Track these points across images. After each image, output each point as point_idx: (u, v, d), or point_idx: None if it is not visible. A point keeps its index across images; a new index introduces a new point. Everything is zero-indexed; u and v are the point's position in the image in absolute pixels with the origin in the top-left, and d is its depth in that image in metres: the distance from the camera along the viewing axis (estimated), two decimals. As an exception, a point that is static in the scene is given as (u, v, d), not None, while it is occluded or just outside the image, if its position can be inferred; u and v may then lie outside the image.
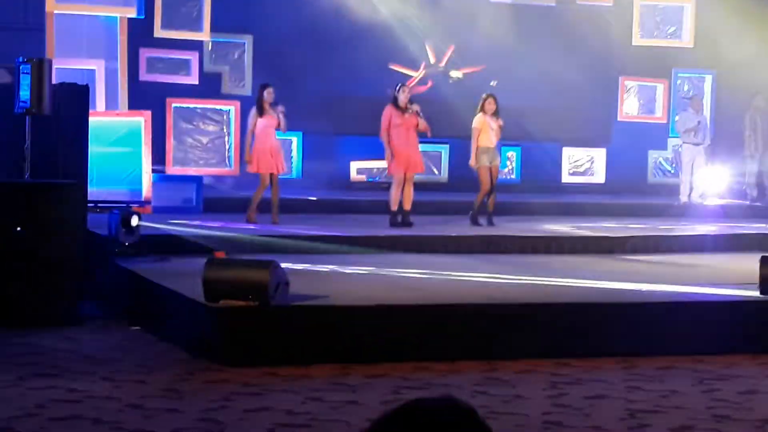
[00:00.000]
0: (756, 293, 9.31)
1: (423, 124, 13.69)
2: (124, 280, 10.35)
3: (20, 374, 7.82)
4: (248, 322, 8.29)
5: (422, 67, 17.97)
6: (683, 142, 17.57)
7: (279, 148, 13.79)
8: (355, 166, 18.19)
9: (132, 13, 15.64)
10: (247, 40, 17.61)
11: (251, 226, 13.09)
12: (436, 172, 18.61)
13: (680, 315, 9.00)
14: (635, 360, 8.62)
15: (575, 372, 8.31)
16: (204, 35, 16.85)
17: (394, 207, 13.65)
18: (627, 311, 9.00)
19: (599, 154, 19.39)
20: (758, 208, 16.85)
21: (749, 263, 9.90)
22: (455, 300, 9.02)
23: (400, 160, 13.60)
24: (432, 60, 18.43)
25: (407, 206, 13.69)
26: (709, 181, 17.56)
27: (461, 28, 18.51)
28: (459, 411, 2.00)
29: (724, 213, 16.45)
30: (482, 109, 14.11)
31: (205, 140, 17.06)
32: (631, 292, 9.66)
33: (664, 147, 19.56)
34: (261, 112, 13.50)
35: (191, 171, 16.37)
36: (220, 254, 10.96)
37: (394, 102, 13.67)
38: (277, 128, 13.61)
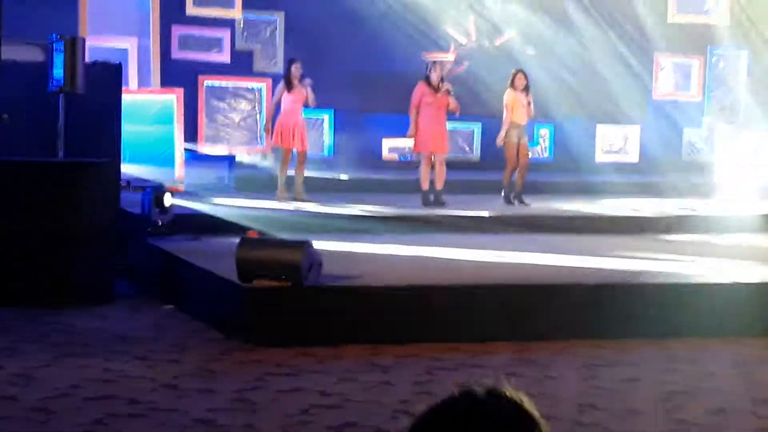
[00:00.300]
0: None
1: (453, 103, 13.66)
2: (157, 259, 10.38)
3: (55, 354, 7.86)
4: (281, 303, 8.30)
5: (452, 48, 17.83)
6: (725, 122, 17.44)
7: (303, 126, 13.77)
8: (386, 144, 18.13)
9: (165, -10, 15.65)
10: (279, 17, 17.58)
11: (283, 206, 13.08)
12: (468, 150, 18.54)
13: (717, 296, 8.92)
14: (670, 342, 8.57)
15: (609, 354, 8.27)
16: (236, 12, 16.85)
17: (425, 186, 13.62)
18: (663, 292, 8.93)
19: (633, 132, 19.26)
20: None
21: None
22: (488, 280, 8.98)
23: (424, 138, 13.55)
24: (471, 37, 18.33)
25: (439, 185, 13.65)
26: (745, 160, 17.38)
27: (494, 5, 18.40)
28: (507, 403, 1.98)
29: (763, 192, 16.29)
30: (512, 85, 14.05)
31: (237, 118, 17.08)
32: (666, 273, 9.59)
33: (699, 125, 19.40)
34: (289, 87, 13.49)
35: (223, 149, 16.40)
36: (253, 234, 10.91)
37: (426, 80, 13.62)
38: (305, 104, 13.58)
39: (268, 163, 16.73)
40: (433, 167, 13.69)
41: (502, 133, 13.95)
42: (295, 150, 13.56)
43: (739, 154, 17.27)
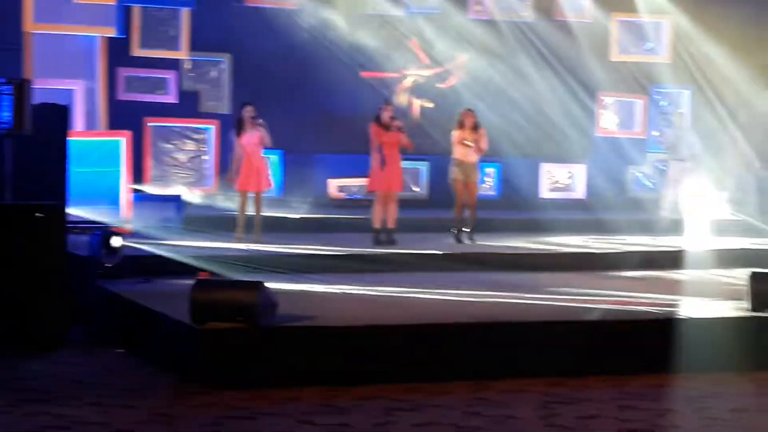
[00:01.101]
0: (746, 309, 9.29)
1: (405, 140, 13.68)
2: (108, 302, 10.23)
3: (8, 400, 7.69)
4: (237, 344, 8.20)
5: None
6: (669, 159, 17.62)
7: (264, 165, 13.71)
8: (334, 183, 18.13)
9: (111, 32, 15.54)
10: (226, 59, 17.57)
11: (234, 245, 12.98)
12: (417, 189, 18.56)
13: (670, 332, 8.95)
14: (627, 378, 8.58)
15: (567, 391, 8.26)
16: (182, 54, 16.77)
17: (378, 224, 13.61)
18: (617, 329, 8.95)
19: (578, 170, 19.41)
20: (740, 223, 16.87)
21: (736, 279, 9.85)
22: (444, 319, 8.95)
23: (380, 177, 13.55)
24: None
25: (391, 224, 13.65)
26: (693, 196, 17.57)
27: (441, 45, 18.52)
28: None
29: (708, 227, 16.46)
30: (461, 125, 14.11)
31: (184, 158, 16.98)
32: (619, 310, 9.61)
33: (642, 162, 19.61)
34: (239, 131, 13.42)
35: (170, 190, 16.28)
36: (204, 275, 10.83)
37: (377, 119, 13.63)
38: (262, 144, 13.52)
39: (216, 202, 16.65)
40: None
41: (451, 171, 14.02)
42: (253, 192, 13.49)
43: (688, 191, 17.47)
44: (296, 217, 15.71)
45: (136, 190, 15.08)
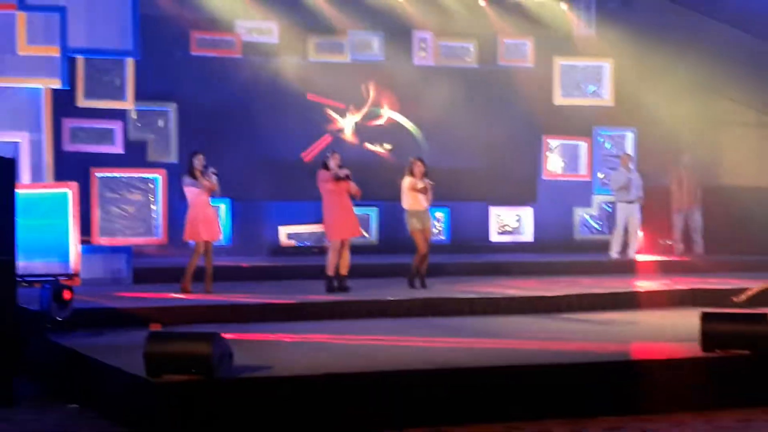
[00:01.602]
0: (697, 350, 9.34)
1: (354, 188, 13.65)
2: (59, 356, 10.05)
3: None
4: (193, 396, 8.08)
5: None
6: (617, 200, 17.81)
7: (215, 216, 13.62)
8: (284, 230, 18.09)
9: (56, 83, 15.42)
10: (171, 108, 17.53)
11: (185, 296, 12.85)
12: (366, 235, 18.56)
13: (625, 375, 8.97)
14: (583, 422, 8.57)
15: (527, 436, 8.23)
16: (128, 104, 16.69)
17: (331, 272, 13.55)
18: (573, 372, 8.95)
19: (526, 213, 19.54)
20: (686, 263, 17.05)
21: (686, 319, 9.91)
22: (401, 366, 8.90)
23: (338, 225, 13.52)
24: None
25: (344, 271, 13.60)
26: (638, 237, 17.76)
27: (385, 91, 18.60)
28: None
29: (654, 269, 16.61)
30: (411, 173, 14.13)
31: (131, 209, 16.85)
32: (573, 353, 9.62)
33: (589, 204, 19.79)
34: (193, 180, 13.33)
35: (119, 241, 16.14)
36: (156, 326, 10.75)
37: (325, 167, 13.61)
38: (212, 193, 13.43)
39: (165, 253, 16.54)
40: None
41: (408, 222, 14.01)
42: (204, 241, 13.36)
43: (636, 232, 17.64)
44: (246, 266, 15.62)
45: (84, 242, 14.92)
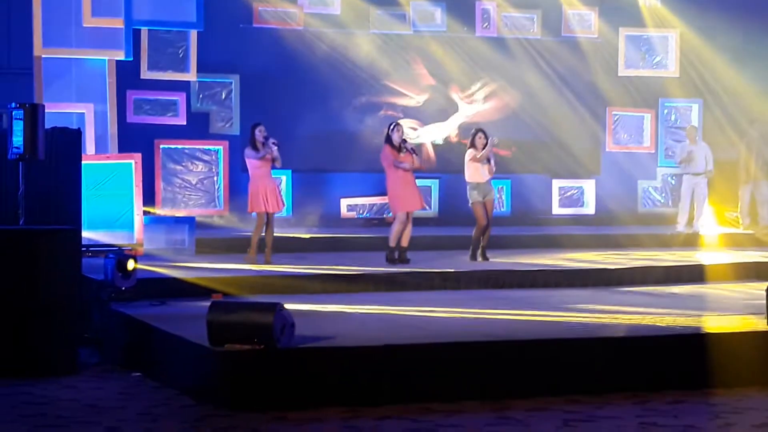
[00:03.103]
0: (765, 323, 9.21)
1: (417, 161, 13.64)
2: (122, 326, 10.17)
3: (27, 427, 7.62)
4: (254, 366, 8.13)
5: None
6: (683, 173, 17.61)
7: (276, 187, 13.67)
8: (345, 202, 18.11)
9: (120, 55, 15.56)
10: (234, 80, 17.56)
11: (247, 267, 12.93)
12: (427, 207, 18.52)
13: (690, 347, 8.87)
14: (647, 395, 8.50)
15: (587, 408, 8.17)
16: (191, 75, 16.77)
17: (393, 243, 13.56)
18: (636, 345, 8.87)
19: (589, 185, 19.38)
20: (752, 237, 16.82)
21: (753, 292, 9.77)
22: (460, 338, 8.88)
23: (404, 198, 13.52)
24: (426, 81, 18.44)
25: (405, 243, 13.60)
26: (705, 210, 17.55)
27: (449, 63, 18.51)
28: None
29: (719, 242, 16.41)
30: (473, 144, 14.05)
31: (194, 180, 16.97)
32: (638, 326, 9.53)
33: (653, 177, 19.56)
34: (256, 151, 13.38)
35: (181, 212, 16.27)
36: (218, 296, 10.77)
37: (389, 141, 13.57)
38: (273, 165, 13.48)
39: (225, 223, 16.65)
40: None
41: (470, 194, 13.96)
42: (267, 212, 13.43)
43: (702, 205, 17.41)
44: (307, 237, 15.66)
45: (147, 212, 15.06)
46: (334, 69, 17.83)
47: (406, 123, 17.10)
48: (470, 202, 13.99)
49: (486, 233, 13.97)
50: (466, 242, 14.17)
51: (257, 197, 13.34)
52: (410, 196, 13.56)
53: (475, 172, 13.94)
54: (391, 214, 14.24)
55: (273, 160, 13.39)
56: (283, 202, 13.76)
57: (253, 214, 13.58)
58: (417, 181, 13.92)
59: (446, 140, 18.40)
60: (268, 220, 13.45)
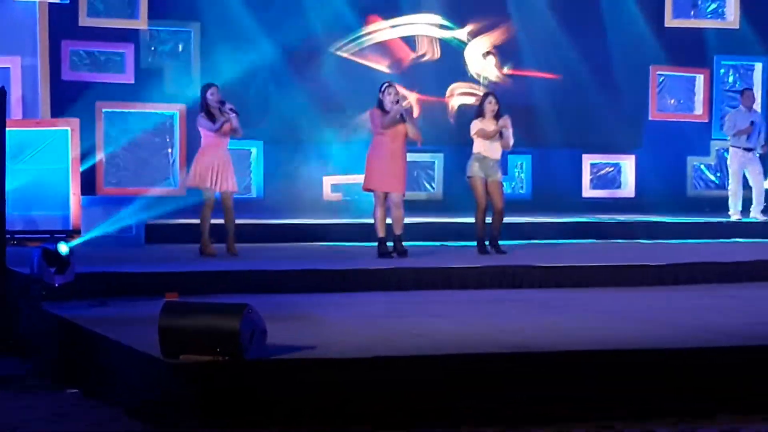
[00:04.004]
0: None
1: (412, 131, 13.58)
2: (55, 331, 10.19)
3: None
4: (217, 381, 8.15)
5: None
6: (731, 146, 17.60)
7: (229, 162, 13.62)
8: (328, 181, 18.12)
9: (55, -3, 15.59)
10: (194, 29, 17.53)
11: (208, 260, 12.95)
12: (430, 187, 18.54)
13: (759, 362, 8.91)
14: (696, 420, 8.54)
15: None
16: (140, 23, 16.77)
17: (381, 232, 13.58)
18: (687, 359, 8.91)
19: (627, 162, 19.41)
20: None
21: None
22: (468, 349, 8.91)
23: (376, 174, 13.50)
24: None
25: (398, 230, 13.62)
26: (763, 193, 17.61)
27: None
28: None
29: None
30: (480, 113, 14.06)
31: (144, 152, 16.97)
32: (690, 335, 9.56)
33: (706, 152, 19.61)
34: (210, 118, 13.38)
35: (128, 191, 16.28)
36: (172, 296, 10.86)
37: (380, 105, 13.58)
38: (232, 135, 13.48)
39: (183, 206, 16.65)
40: (388, 209, 13.66)
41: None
42: (219, 192, 13.41)
43: (761, 187, 17.43)
44: (280, 223, 15.69)
45: (86, 192, 15.07)
46: (314, 13, 17.81)
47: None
48: (467, 174, 14.03)
49: (496, 220, 13.99)
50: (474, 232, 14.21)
51: (205, 170, 13.34)
52: (381, 171, 13.51)
53: (482, 144, 13.96)
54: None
55: (232, 130, 13.40)
56: (233, 180, 13.63)
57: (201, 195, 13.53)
58: (416, 155, 13.89)
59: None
60: (225, 202, 13.44)
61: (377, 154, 13.52)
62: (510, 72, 18.47)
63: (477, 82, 18.32)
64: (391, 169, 13.52)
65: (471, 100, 17.47)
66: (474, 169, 13.99)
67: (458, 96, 18.33)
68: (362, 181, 13.83)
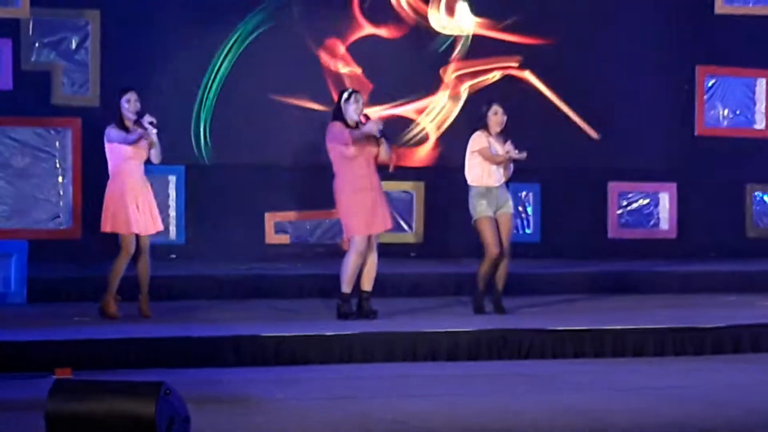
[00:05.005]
0: None
1: (385, 152, 13.53)
2: None
3: None
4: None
5: None
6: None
7: (148, 192, 13.56)
8: (271, 219, 18.11)
9: None
10: (92, 18, 17.53)
11: (109, 323, 12.92)
12: (405, 226, 18.56)
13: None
14: None
15: None
16: (21, 11, 16.77)
17: (349, 287, 13.54)
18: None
19: (666, 193, 19.49)
20: None
21: None
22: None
23: (362, 214, 13.44)
24: None
25: (367, 286, 13.60)
26: None
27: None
28: None
29: None
30: (482, 126, 14.07)
31: (27, 185, 16.92)
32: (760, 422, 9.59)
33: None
34: (124, 130, 13.36)
35: (4, 234, 16.23)
36: (64, 372, 10.81)
37: (338, 116, 13.52)
38: (147, 159, 13.46)
39: (78, 253, 16.62)
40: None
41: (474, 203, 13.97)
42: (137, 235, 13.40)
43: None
44: (207, 274, 15.70)
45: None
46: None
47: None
48: (474, 217, 14.00)
49: (501, 269, 13.98)
50: (469, 283, 14.20)
51: (119, 209, 13.27)
52: (368, 207, 13.49)
53: (482, 171, 13.95)
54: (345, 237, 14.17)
55: (149, 150, 13.34)
56: (157, 218, 13.59)
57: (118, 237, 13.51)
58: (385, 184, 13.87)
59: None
60: (140, 247, 13.39)
61: (357, 185, 13.44)
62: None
63: None
64: (378, 202, 13.56)
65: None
66: (481, 208, 13.93)
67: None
68: (343, 224, 13.77)
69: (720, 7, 19.63)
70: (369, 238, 13.57)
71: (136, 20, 17.47)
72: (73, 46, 17.55)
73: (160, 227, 13.69)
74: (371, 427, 9.33)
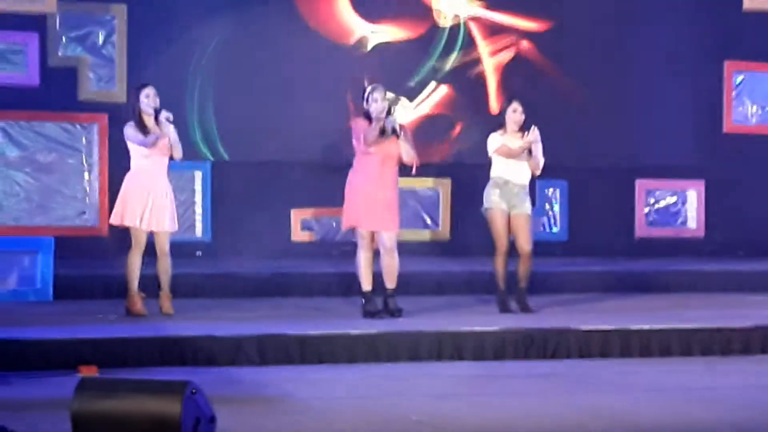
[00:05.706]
0: None
1: (407, 151, 13.49)
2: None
3: None
4: (149, 487, 8.15)
5: None
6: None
7: (165, 192, 13.54)
8: (297, 216, 18.14)
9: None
10: (118, 14, 17.57)
11: (135, 321, 12.96)
12: (431, 222, 18.55)
13: None
14: None
15: None
16: (47, 6, 16.79)
17: (367, 284, 13.54)
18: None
19: (694, 191, 19.46)
20: None
21: None
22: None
23: (358, 207, 13.43)
24: None
25: (390, 283, 13.59)
26: None
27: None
28: None
29: None
30: (501, 124, 14.05)
31: (53, 182, 16.94)
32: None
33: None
34: (143, 131, 13.35)
35: (30, 231, 16.27)
36: (90, 370, 10.85)
37: (366, 115, 13.53)
38: (168, 155, 13.46)
39: (105, 250, 16.65)
40: (377, 253, 13.64)
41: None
42: (152, 231, 13.40)
43: None
44: (232, 272, 15.75)
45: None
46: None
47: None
48: (485, 205, 13.97)
49: (524, 269, 13.96)
50: (492, 282, 14.21)
51: (133, 203, 13.31)
52: (366, 203, 13.44)
53: (503, 165, 13.91)
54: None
55: (165, 146, 13.34)
56: (173, 218, 13.56)
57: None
58: (409, 183, 13.84)
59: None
60: (158, 244, 13.39)
61: (362, 179, 13.46)
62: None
63: None
64: (380, 201, 13.48)
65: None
66: (493, 198, 13.93)
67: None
68: (342, 217, 13.82)
69: (748, 3, 19.60)
70: (373, 234, 13.55)
71: (163, 14, 17.51)
72: (100, 41, 17.59)
73: (174, 228, 13.60)
74: (395, 427, 9.35)
